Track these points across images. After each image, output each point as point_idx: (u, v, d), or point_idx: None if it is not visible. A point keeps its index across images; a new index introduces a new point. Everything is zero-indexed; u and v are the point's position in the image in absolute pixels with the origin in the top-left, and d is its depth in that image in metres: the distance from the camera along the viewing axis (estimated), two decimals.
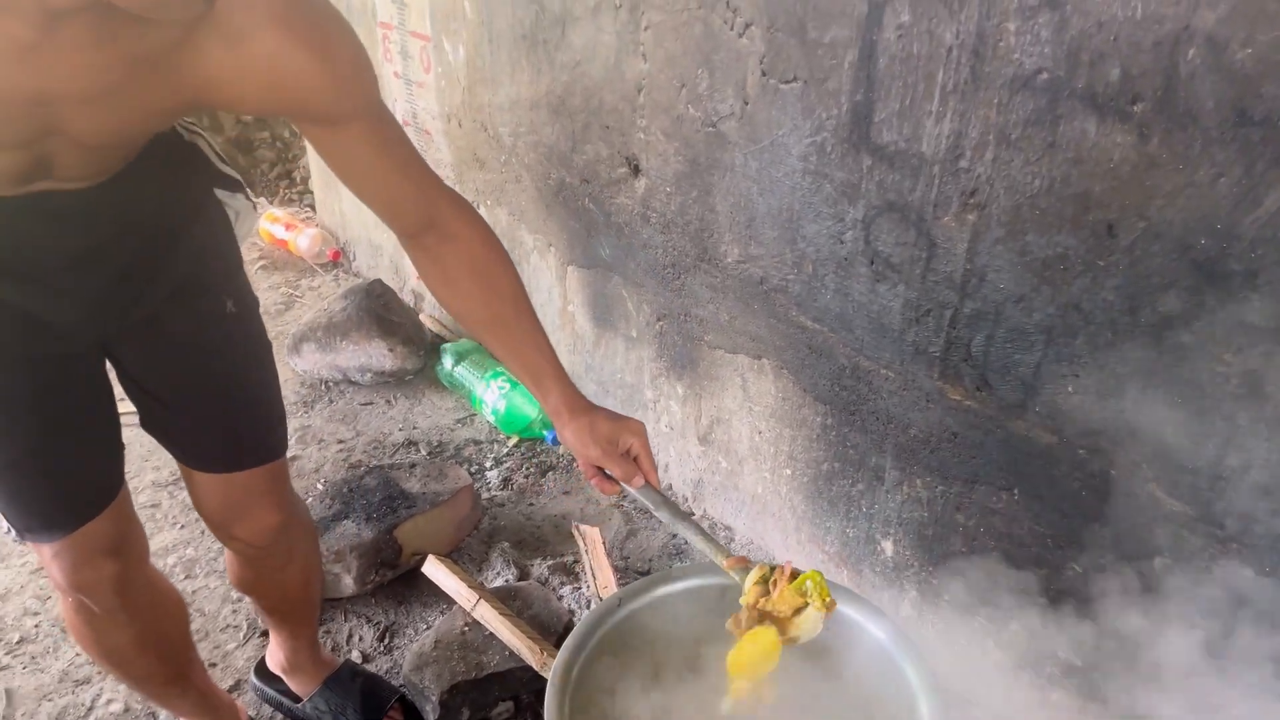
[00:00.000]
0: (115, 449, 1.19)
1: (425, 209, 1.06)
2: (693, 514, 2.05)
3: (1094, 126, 1.10)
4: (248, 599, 1.59)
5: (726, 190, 1.66)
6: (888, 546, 1.62)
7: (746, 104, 1.55)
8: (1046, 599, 1.36)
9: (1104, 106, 1.09)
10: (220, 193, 1.19)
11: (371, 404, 2.49)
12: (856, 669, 1.11)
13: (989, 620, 1.44)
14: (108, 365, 1.18)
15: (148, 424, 1.25)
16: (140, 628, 1.28)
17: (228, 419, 1.25)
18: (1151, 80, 1.04)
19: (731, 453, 1.92)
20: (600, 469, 1.12)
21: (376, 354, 2.47)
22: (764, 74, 1.49)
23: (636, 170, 1.85)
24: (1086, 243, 1.16)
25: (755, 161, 1.58)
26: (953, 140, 1.27)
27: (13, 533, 1.14)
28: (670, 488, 2.14)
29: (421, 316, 2.76)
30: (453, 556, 1.88)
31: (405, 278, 2.92)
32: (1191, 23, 0.99)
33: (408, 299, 2.86)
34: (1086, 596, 1.30)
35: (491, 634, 1.59)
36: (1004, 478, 1.37)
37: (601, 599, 1.72)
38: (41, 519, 1.12)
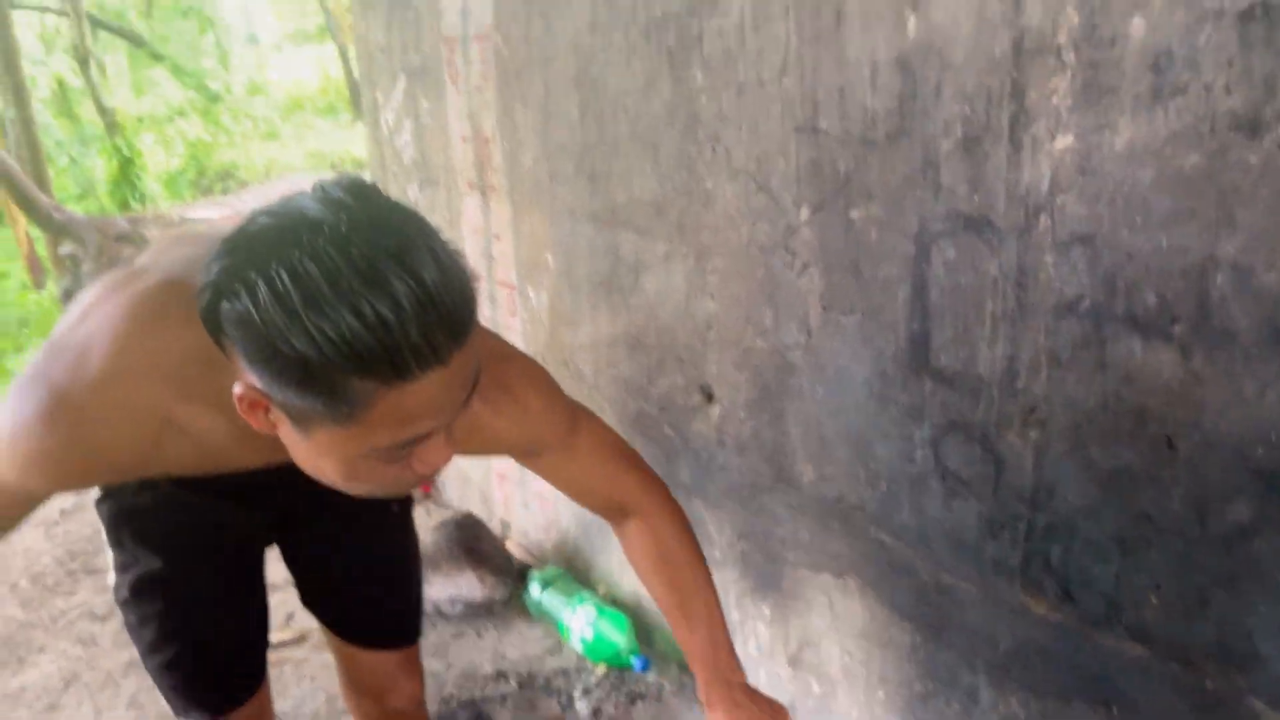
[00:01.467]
0: (263, 643, 1.37)
1: (612, 498, 1.23)
2: None
3: (1139, 347, 1.17)
4: None
5: (797, 414, 1.74)
6: None
7: (810, 335, 1.66)
8: None
9: (1146, 328, 1.16)
10: None
11: (462, 635, 2.53)
12: None
13: None
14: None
15: (309, 602, 1.43)
16: None
17: (389, 601, 1.44)
18: (1186, 304, 1.12)
19: (823, 675, 1.90)
20: None
21: (467, 585, 2.54)
22: (824, 308, 1.61)
23: (710, 398, 1.96)
24: (1147, 455, 1.20)
25: (822, 387, 1.67)
26: (1007, 363, 1.34)
27: (173, 711, 1.30)
28: None
29: (509, 544, 2.84)
30: None
31: (493, 508, 3.03)
32: (1215, 251, 1.08)
33: (496, 528, 2.95)
34: None
35: None
36: (1099, 692, 1.35)
37: None
38: (199, 702, 1.28)
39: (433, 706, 2.21)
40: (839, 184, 1.50)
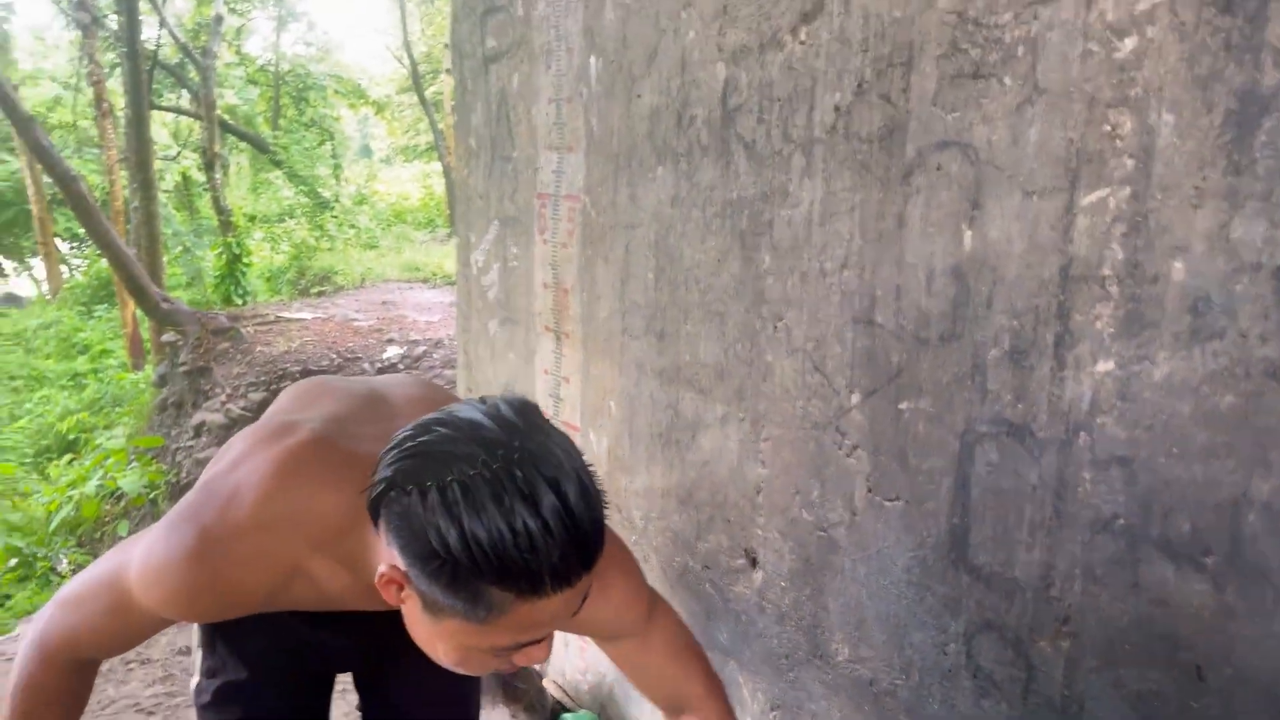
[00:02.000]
0: None
1: (675, 693, 1.29)
2: None
3: (1172, 573, 1.19)
4: None
5: (837, 591, 1.76)
6: None
7: (854, 515, 1.69)
8: None
9: (1179, 555, 1.18)
10: None
11: None
12: None
13: None
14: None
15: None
16: None
17: None
18: (1219, 536, 1.14)
19: None
20: None
21: (498, 718, 2.54)
22: (870, 490, 1.65)
23: (754, 563, 1.99)
24: (1178, 681, 1.20)
25: (864, 568, 1.69)
26: (1043, 569, 1.36)
27: None
28: None
29: (545, 681, 2.85)
30: None
31: None
32: (1249, 490, 1.10)
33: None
34: None
35: None
36: None
37: None
38: None
39: None
40: (891, 374, 1.56)
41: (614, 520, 2.52)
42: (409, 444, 0.84)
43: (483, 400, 0.88)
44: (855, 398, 1.63)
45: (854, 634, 1.74)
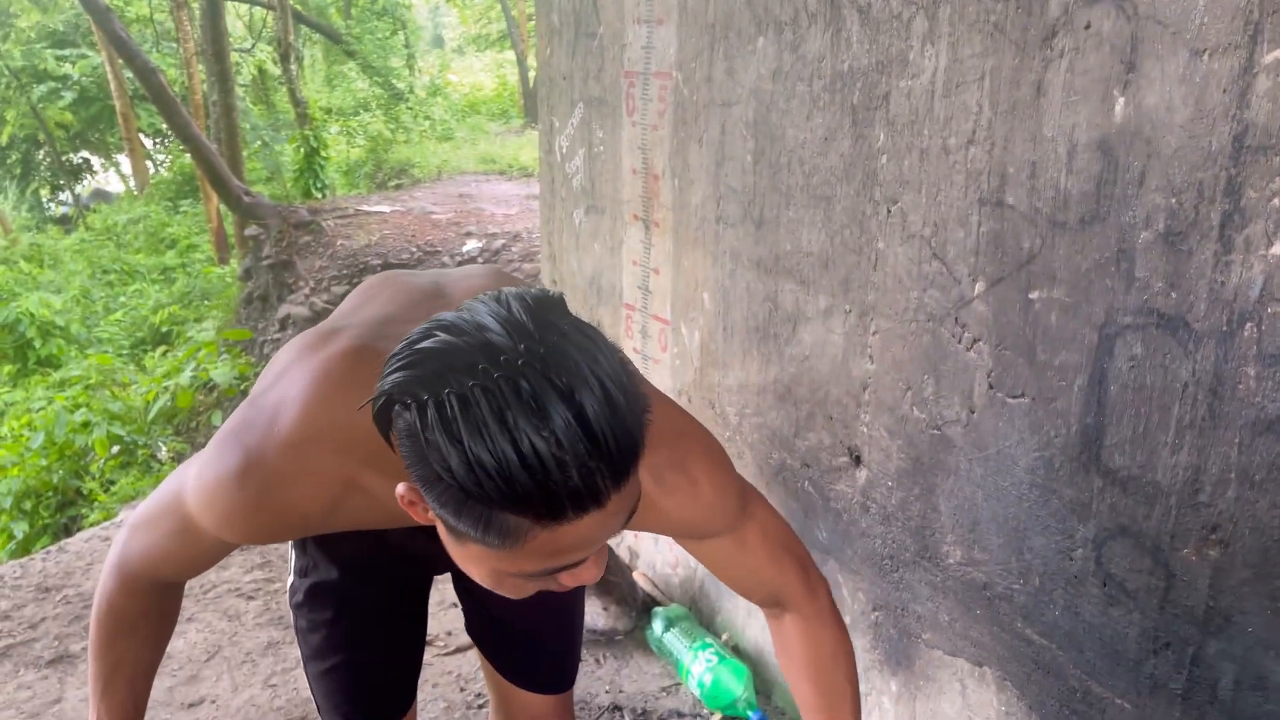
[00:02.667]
0: (417, 668, 1.40)
1: (774, 593, 1.19)
2: None
3: None
4: None
5: (950, 492, 1.67)
6: None
7: (973, 412, 1.59)
8: None
9: None
10: None
11: (581, 662, 2.54)
12: None
13: None
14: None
15: (474, 633, 1.45)
16: None
17: (553, 643, 1.45)
18: None
19: None
20: None
21: (591, 612, 2.54)
22: (991, 386, 1.54)
23: (858, 461, 1.90)
24: None
25: (980, 468, 1.59)
26: (1190, 473, 1.25)
27: (322, 717, 1.34)
28: None
29: (635, 574, 2.84)
30: None
31: (623, 536, 3.04)
32: None
33: (624, 554, 2.95)
34: None
35: None
36: None
37: None
38: (353, 715, 1.30)
39: None
40: (1021, 261, 1.43)
41: (707, 416, 2.46)
42: (409, 352, 0.73)
43: (497, 297, 0.75)
44: (978, 287, 1.51)
45: (967, 536, 1.66)
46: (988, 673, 1.68)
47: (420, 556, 1.27)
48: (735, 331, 2.23)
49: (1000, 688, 1.66)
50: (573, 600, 1.45)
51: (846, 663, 1.21)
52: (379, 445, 0.80)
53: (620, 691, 2.42)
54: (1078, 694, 1.49)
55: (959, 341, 1.58)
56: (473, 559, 0.80)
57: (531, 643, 1.43)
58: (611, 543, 2.92)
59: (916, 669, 1.86)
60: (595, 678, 2.48)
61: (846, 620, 2.04)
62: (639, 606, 2.66)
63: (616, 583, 2.62)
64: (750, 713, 2.21)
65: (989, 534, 1.61)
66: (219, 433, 0.97)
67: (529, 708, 1.46)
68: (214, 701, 2.38)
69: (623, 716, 2.31)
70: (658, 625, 2.52)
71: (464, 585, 1.39)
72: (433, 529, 1.20)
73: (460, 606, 1.45)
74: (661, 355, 2.59)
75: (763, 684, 2.33)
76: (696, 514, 1.07)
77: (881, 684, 1.97)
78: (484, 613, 1.41)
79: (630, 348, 2.77)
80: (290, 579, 1.32)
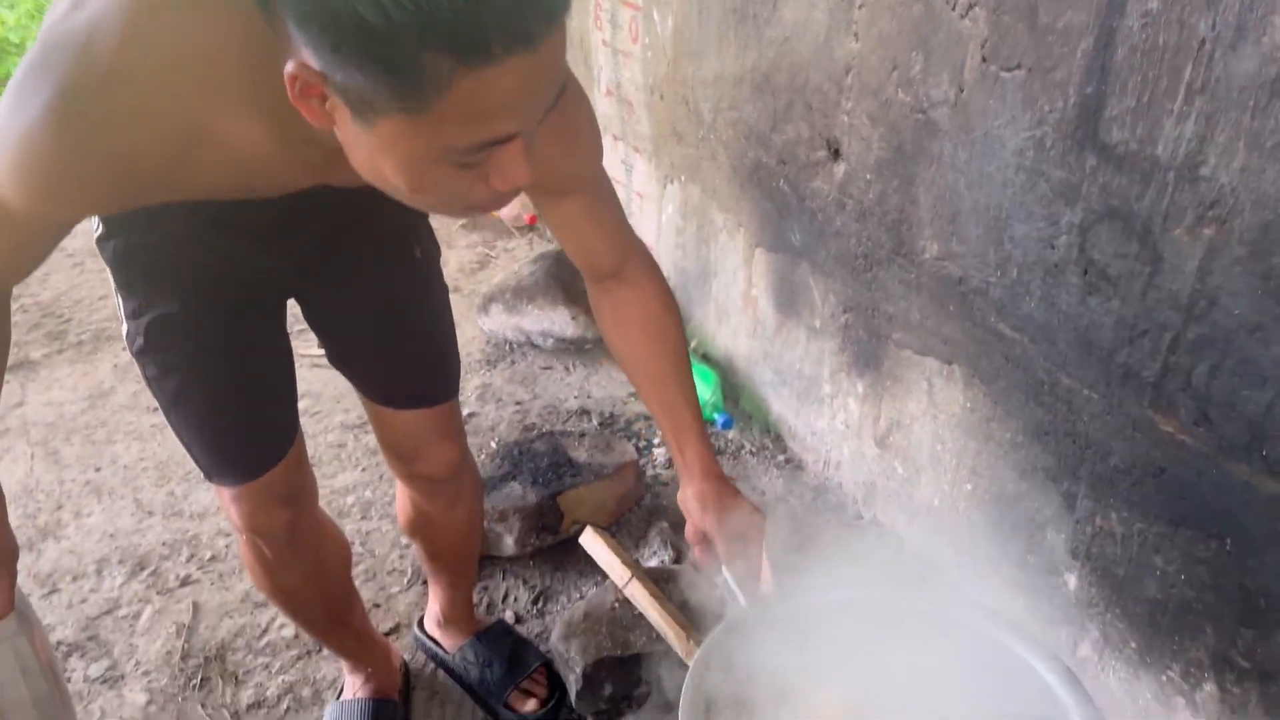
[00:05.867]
0: (292, 399, 1.27)
1: (616, 261, 1.11)
2: (860, 518, 1.97)
3: None
4: (414, 545, 1.63)
5: (931, 181, 1.56)
6: (1071, 580, 1.50)
7: (962, 91, 1.44)
8: (1251, 664, 1.22)
9: None
10: None
11: (550, 369, 2.53)
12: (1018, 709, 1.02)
13: (1183, 678, 1.31)
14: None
15: (336, 360, 1.32)
16: (306, 570, 1.36)
17: (416, 357, 1.33)
18: None
19: (909, 460, 1.82)
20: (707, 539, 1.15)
21: (560, 320, 2.50)
22: (984, 59, 1.38)
23: (836, 154, 1.77)
24: None
25: (965, 153, 1.47)
26: (1195, 144, 1.13)
27: (201, 471, 1.23)
28: (841, 487, 2.07)
29: None
30: (612, 530, 1.88)
31: None
32: None
33: None
34: None
35: (641, 613, 1.58)
36: (1215, 525, 1.23)
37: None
38: (228, 465, 1.20)
39: (514, 434, 2.23)
40: None
41: (680, 114, 2.30)
42: None
43: None
44: None
45: (945, 229, 1.56)
46: (956, 370, 1.64)
47: (268, 275, 1.13)
48: (711, 14, 2.03)
49: (968, 384, 1.62)
50: (432, 305, 1.32)
51: (682, 334, 1.17)
52: (233, 69, 0.66)
53: (589, 397, 2.41)
54: (1045, 386, 1.45)
55: (953, 9, 1.41)
56: (387, 145, 0.68)
57: (396, 358, 1.30)
58: None
59: (884, 369, 1.83)
60: (565, 384, 2.47)
61: (815, 324, 2.00)
62: None
63: (585, 292, 2.56)
64: (716, 415, 2.21)
65: (968, 225, 1.51)
66: (13, 80, 0.76)
67: (406, 426, 1.35)
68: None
69: (590, 419, 2.32)
70: None
71: (316, 312, 1.26)
72: (290, 228, 1.07)
73: (319, 342, 1.31)
74: (632, 47, 2.38)
75: (730, 389, 2.32)
76: (573, 163, 0.99)
77: (848, 385, 1.95)
78: (341, 338, 1.28)
79: (599, 40, 2.55)
80: (124, 326, 1.12)
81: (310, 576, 1.37)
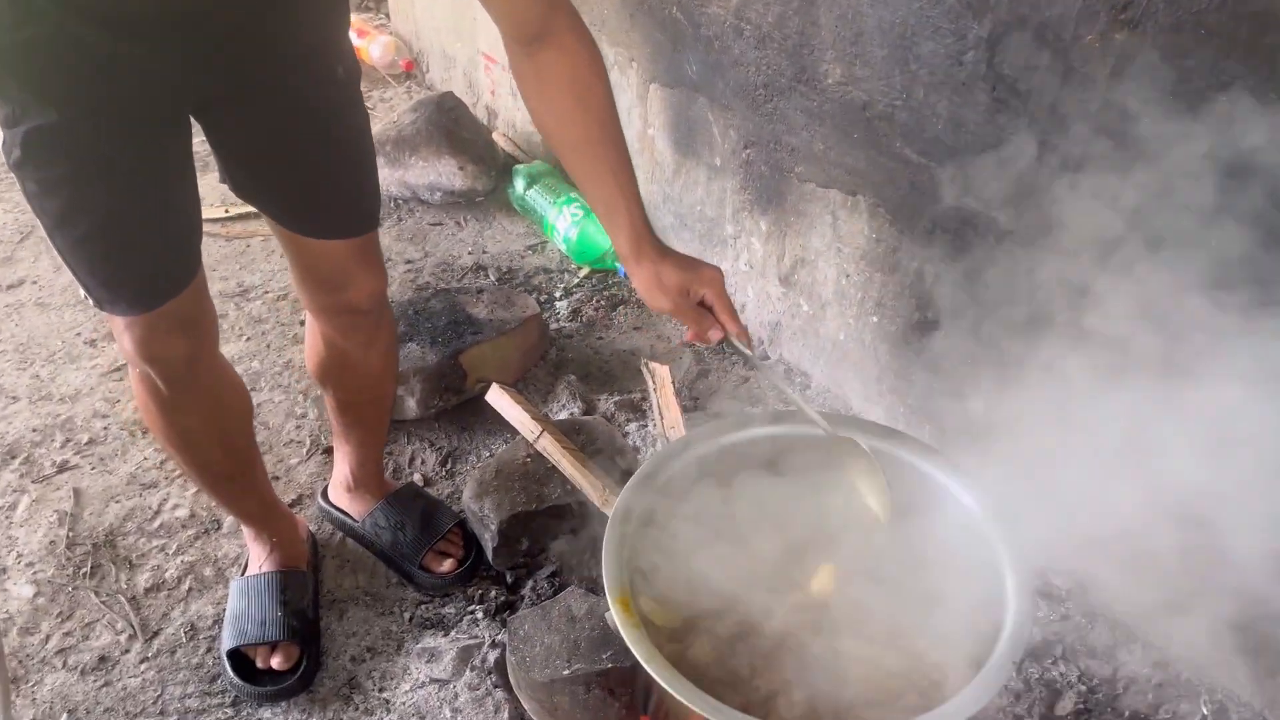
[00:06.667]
0: (197, 226, 1.15)
1: (544, 14, 0.99)
2: (767, 358, 1.95)
3: None
4: (325, 395, 1.53)
5: (832, 1, 1.47)
6: (978, 405, 1.51)
7: None
8: None
9: None
10: None
11: (441, 225, 2.40)
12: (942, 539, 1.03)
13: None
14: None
15: (247, 190, 1.21)
16: (206, 411, 1.28)
17: (343, 183, 1.23)
18: None
19: (814, 296, 1.80)
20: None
21: (446, 172, 2.37)
22: None
23: None
24: (1259, 72, 0.99)
25: None
26: None
27: (89, 300, 1.10)
28: (747, 329, 2.04)
29: (494, 135, 2.63)
30: (518, 386, 1.83)
31: (479, 92, 2.78)
32: None
33: (480, 115, 2.72)
34: None
35: (553, 466, 1.55)
36: None
37: (668, 438, 1.66)
38: (120, 294, 1.08)
39: (407, 294, 2.12)
40: None
41: None
42: None
43: None
44: None
45: (849, 51, 1.49)
46: (860, 201, 1.60)
47: (162, 81, 0.99)
48: None
49: (872, 214, 1.58)
50: (354, 128, 1.22)
51: (610, 95, 1.05)
52: None
53: (484, 252, 2.31)
54: (951, 212, 1.42)
55: None
56: None
57: (322, 184, 1.21)
58: (467, 100, 2.67)
59: (788, 205, 1.78)
60: (457, 239, 2.36)
61: (716, 162, 1.93)
62: (499, 166, 2.48)
63: (473, 141, 2.42)
64: (617, 264, 2.14)
65: (873, 46, 1.44)
66: None
67: (333, 257, 1.26)
68: (35, 282, 2.19)
69: (487, 275, 2.22)
70: (520, 183, 2.37)
71: (226, 134, 1.13)
72: (180, 26, 0.93)
73: (217, 162, 1.18)
74: None
75: None
76: None
77: (751, 225, 1.90)
78: (258, 163, 1.16)
79: None
80: (1, 135, 0.99)
81: (209, 419, 1.28)
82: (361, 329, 1.37)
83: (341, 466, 1.56)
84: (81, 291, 1.10)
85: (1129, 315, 0.95)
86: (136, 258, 1.08)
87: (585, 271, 2.22)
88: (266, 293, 2.17)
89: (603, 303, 2.13)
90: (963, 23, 1.28)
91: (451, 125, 2.38)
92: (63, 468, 1.71)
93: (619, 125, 1.06)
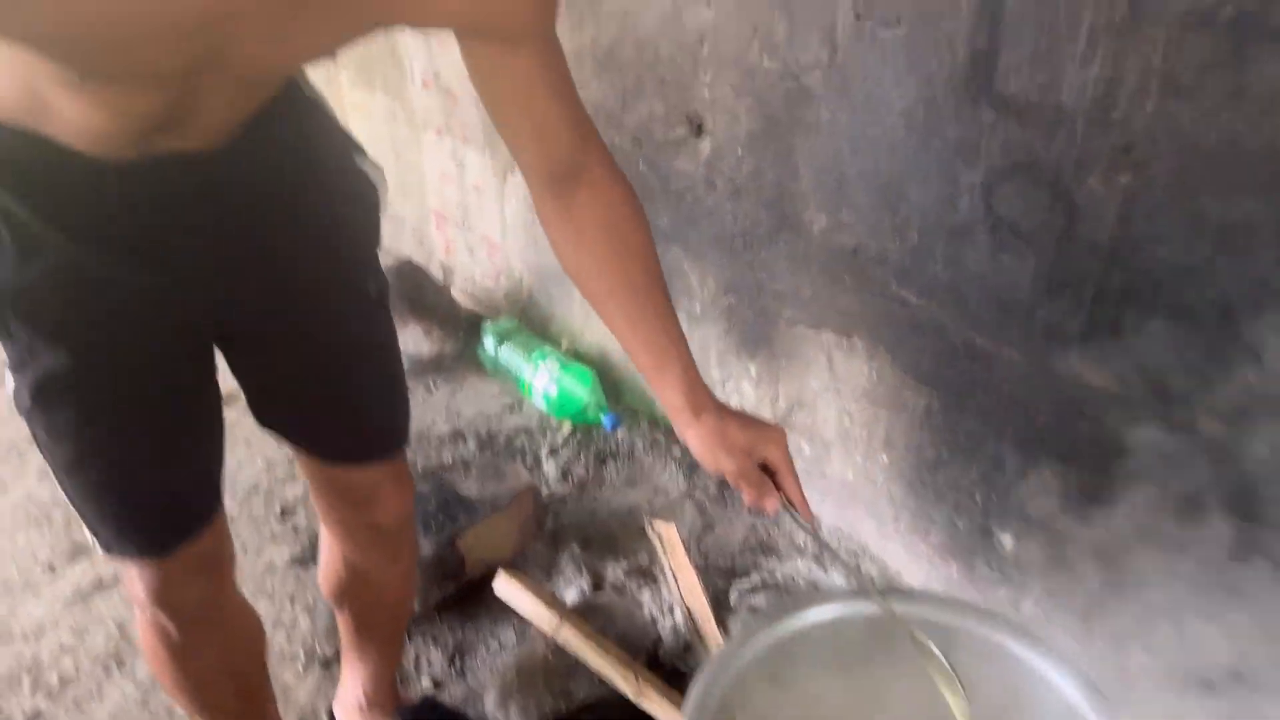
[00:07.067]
0: (220, 457, 1.05)
1: (577, 145, 0.88)
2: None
3: None
4: (339, 616, 1.41)
5: (812, 152, 1.47)
6: (1007, 540, 1.47)
7: (835, 52, 1.36)
8: (1197, 603, 1.21)
9: None
10: (360, 159, 1.05)
11: (411, 393, 2.32)
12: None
13: (1136, 621, 1.29)
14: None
15: (268, 417, 1.10)
16: (219, 653, 1.15)
17: (375, 410, 1.13)
18: None
19: (816, 437, 1.76)
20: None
21: (412, 339, 2.30)
22: (858, 16, 1.30)
23: (700, 130, 1.66)
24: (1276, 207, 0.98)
25: (846, 117, 1.39)
26: (1103, 88, 1.08)
27: (96, 544, 0.99)
28: None
29: (454, 292, 2.59)
30: (518, 563, 1.74)
31: (430, 250, 2.74)
32: None
33: (437, 273, 2.68)
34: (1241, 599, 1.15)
35: (578, 659, 1.45)
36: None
37: (686, 605, 1.58)
38: (131, 539, 0.97)
39: None
40: None
41: None
42: None
43: None
44: None
45: (833, 199, 1.48)
46: (857, 342, 1.57)
47: (173, 311, 0.91)
48: None
49: (871, 355, 1.56)
50: (388, 346, 1.13)
51: (650, 237, 0.94)
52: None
53: (459, 416, 2.24)
54: (959, 350, 1.40)
55: None
56: None
57: (354, 412, 1.11)
58: (418, 258, 2.63)
59: (778, 349, 1.75)
60: (429, 406, 2.28)
61: (695, 309, 1.90)
62: (464, 326, 2.43)
63: (435, 304, 2.37)
64: (602, 416, 2.08)
65: (857, 193, 1.43)
66: None
67: (360, 480, 1.17)
68: None
69: (466, 442, 2.14)
70: (489, 342, 2.31)
71: (248, 360, 1.04)
72: (189, 232, 0.87)
73: (244, 395, 1.09)
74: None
75: (610, 385, 2.19)
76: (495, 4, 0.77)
77: (739, 368, 1.86)
78: (282, 390, 1.07)
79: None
80: (9, 381, 0.91)
81: (223, 662, 1.16)
82: (386, 545, 1.26)
83: (353, 685, 1.44)
84: (88, 534, 0.99)
85: None
86: (152, 500, 0.98)
87: (568, 428, 2.15)
88: (235, 484, 2.05)
89: (590, 459, 2.05)
90: (953, 168, 1.28)
91: (413, 292, 2.33)
92: (35, 716, 1.56)
93: (658, 264, 0.95)
